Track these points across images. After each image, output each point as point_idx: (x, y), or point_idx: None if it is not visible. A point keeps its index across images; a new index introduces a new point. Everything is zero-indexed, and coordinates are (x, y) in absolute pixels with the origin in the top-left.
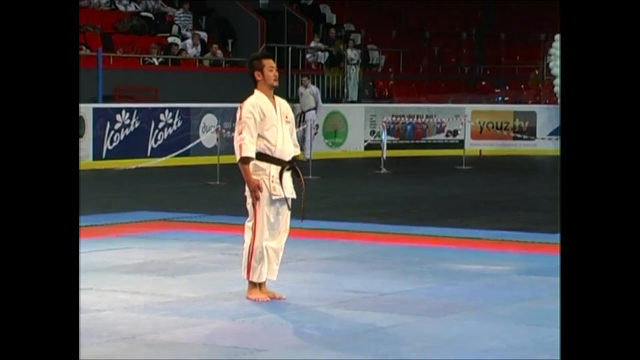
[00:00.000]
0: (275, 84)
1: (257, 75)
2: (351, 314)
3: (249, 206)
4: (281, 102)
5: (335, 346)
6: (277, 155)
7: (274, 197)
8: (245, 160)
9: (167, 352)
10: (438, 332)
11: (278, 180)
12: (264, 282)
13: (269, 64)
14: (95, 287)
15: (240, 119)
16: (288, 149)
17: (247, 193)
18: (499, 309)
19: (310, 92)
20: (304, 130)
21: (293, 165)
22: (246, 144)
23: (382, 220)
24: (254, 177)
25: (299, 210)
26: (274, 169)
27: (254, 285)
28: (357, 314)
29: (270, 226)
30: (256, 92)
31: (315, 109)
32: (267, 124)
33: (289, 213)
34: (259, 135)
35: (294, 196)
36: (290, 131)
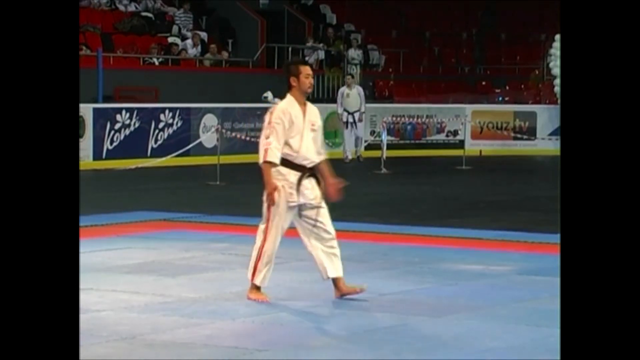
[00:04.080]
0: (310, 91)
1: (293, 80)
2: (351, 314)
3: (265, 209)
4: (311, 109)
5: (335, 346)
6: (298, 161)
7: (290, 205)
8: (268, 164)
9: (167, 352)
10: (438, 332)
11: (295, 187)
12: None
13: (306, 71)
14: (96, 287)
15: (269, 123)
16: (310, 156)
17: (265, 197)
18: (499, 309)
19: (357, 93)
20: (357, 134)
21: (314, 172)
22: (272, 149)
23: (382, 220)
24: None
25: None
26: (294, 175)
27: (256, 285)
28: (357, 314)
29: (282, 232)
30: (288, 97)
31: (358, 110)
32: (293, 131)
33: (326, 214)
34: (284, 142)
35: (315, 202)
36: (314, 139)
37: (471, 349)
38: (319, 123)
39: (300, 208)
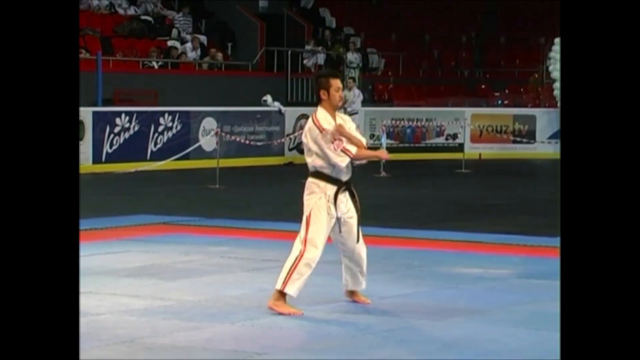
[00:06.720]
0: (340, 104)
1: (323, 94)
2: (351, 317)
3: (304, 219)
4: (341, 121)
5: (334, 349)
6: (334, 175)
7: (330, 216)
8: (358, 153)
9: (167, 355)
10: (438, 335)
11: (333, 201)
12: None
13: (336, 85)
14: (95, 290)
15: (323, 131)
16: (346, 169)
17: (307, 212)
18: (499, 313)
19: (353, 95)
20: None
21: (349, 187)
22: (346, 145)
23: (381, 223)
24: (312, 195)
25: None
26: (330, 189)
27: (283, 296)
28: (356, 317)
29: (324, 242)
30: (320, 109)
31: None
32: None
33: (354, 231)
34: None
35: (348, 215)
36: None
37: (471, 353)
38: (349, 126)
39: (339, 221)
